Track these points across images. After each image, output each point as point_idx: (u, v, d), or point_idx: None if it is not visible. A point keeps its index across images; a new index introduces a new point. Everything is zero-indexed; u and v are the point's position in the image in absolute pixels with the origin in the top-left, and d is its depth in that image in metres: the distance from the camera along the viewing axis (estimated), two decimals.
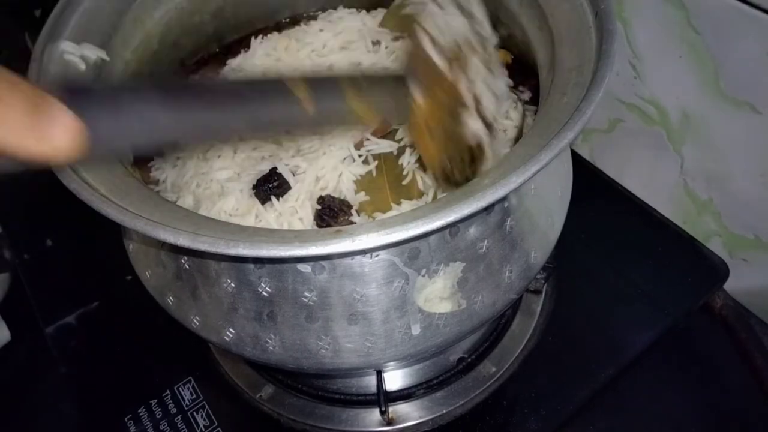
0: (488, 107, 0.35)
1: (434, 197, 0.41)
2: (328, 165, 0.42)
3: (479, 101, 0.34)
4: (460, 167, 0.35)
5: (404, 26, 0.36)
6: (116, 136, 0.25)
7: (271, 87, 0.30)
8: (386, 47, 0.51)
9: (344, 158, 0.42)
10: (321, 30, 0.53)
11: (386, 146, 0.43)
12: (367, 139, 0.43)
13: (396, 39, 0.51)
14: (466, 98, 0.34)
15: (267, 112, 0.30)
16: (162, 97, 0.27)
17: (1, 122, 0.20)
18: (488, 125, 0.35)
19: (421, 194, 0.42)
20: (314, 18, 0.57)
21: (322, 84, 0.31)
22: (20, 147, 0.21)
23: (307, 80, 0.30)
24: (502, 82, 0.37)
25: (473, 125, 0.34)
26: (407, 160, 0.43)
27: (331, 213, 0.40)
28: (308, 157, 0.42)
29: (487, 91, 0.35)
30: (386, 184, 0.42)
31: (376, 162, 0.42)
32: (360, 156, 0.43)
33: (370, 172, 0.43)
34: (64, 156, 0.22)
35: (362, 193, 0.42)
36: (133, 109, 0.26)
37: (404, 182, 0.42)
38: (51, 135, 0.22)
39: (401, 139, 0.43)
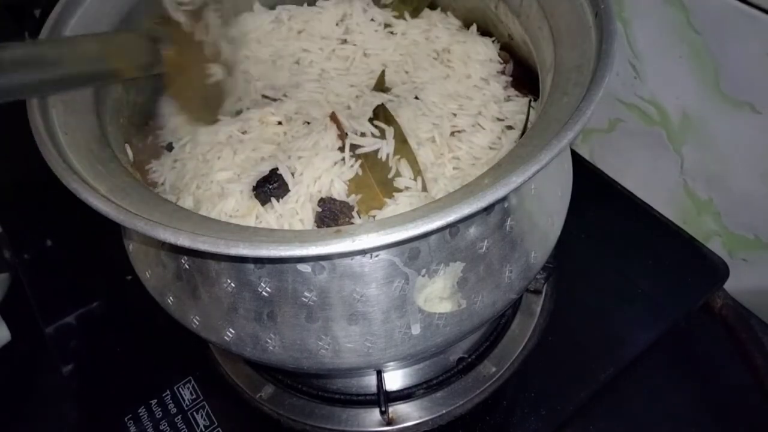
0: (225, 52, 0.45)
1: (423, 186, 0.42)
2: (322, 167, 0.42)
3: (218, 48, 0.44)
4: (202, 104, 0.46)
5: None
6: None
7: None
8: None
9: (335, 163, 0.42)
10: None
11: (372, 144, 0.43)
12: (346, 134, 0.44)
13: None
14: (207, 50, 0.44)
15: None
16: None
17: None
18: (228, 67, 0.46)
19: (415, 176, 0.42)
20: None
21: (84, 47, 0.39)
22: None
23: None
24: (236, 29, 0.47)
25: (213, 70, 0.45)
26: (385, 152, 0.43)
27: (331, 215, 0.40)
28: (302, 161, 0.42)
29: (224, 40, 0.45)
30: (373, 180, 0.42)
31: (360, 161, 0.43)
32: (351, 158, 0.43)
33: (356, 172, 0.43)
34: None
35: (353, 195, 0.42)
36: None
37: (390, 176, 0.42)
38: None
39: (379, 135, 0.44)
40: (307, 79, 0.51)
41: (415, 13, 0.55)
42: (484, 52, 0.51)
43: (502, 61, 0.51)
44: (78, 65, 0.38)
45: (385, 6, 0.55)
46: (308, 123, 0.47)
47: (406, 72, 0.51)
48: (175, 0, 0.44)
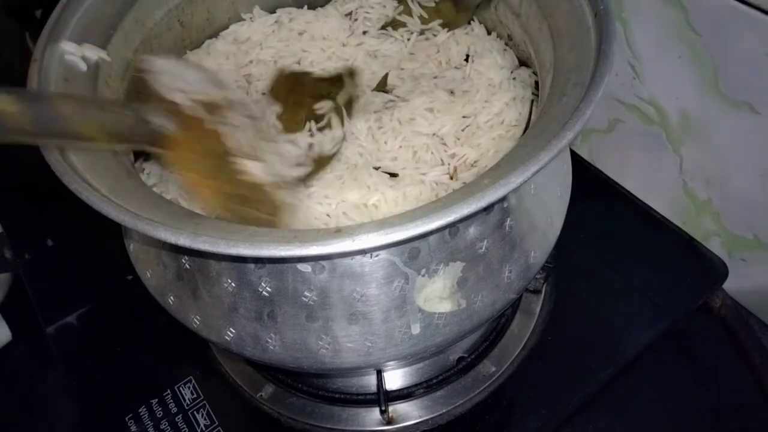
0: (273, 165, 0.37)
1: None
2: None
3: (257, 156, 0.36)
4: (246, 211, 0.36)
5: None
6: None
7: None
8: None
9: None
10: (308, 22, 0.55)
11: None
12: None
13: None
14: (230, 144, 0.35)
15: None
16: None
17: None
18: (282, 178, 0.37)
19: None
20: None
21: (39, 105, 0.33)
22: None
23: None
24: (285, 145, 0.40)
25: (249, 167, 0.36)
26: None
27: None
28: None
29: (269, 152, 0.38)
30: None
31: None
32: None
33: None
34: None
35: None
36: None
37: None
38: None
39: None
40: None
41: (449, 27, 0.53)
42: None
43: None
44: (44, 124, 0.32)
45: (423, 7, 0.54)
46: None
47: (406, 71, 0.51)
48: (169, 84, 0.36)
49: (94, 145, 0.34)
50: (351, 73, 0.46)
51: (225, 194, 0.36)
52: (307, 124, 0.44)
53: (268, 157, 0.37)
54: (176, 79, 0.36)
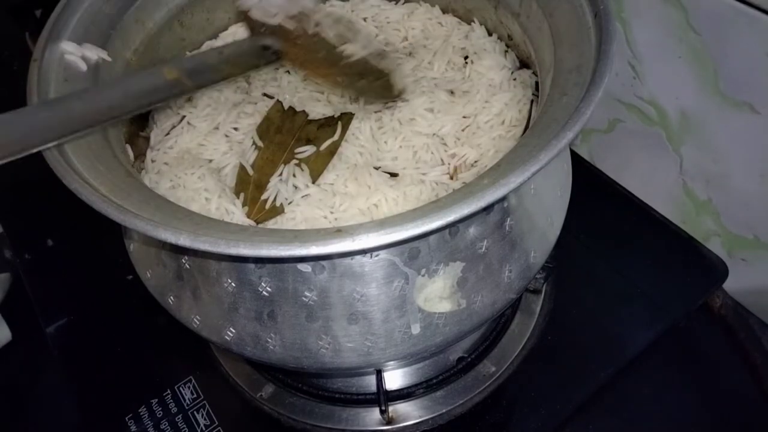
0: (366, 40, 0.45)
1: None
2: None
3: (348, 38, 0.44)
4: (363, 83, 0.44)
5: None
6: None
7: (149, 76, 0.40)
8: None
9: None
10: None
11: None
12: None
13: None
14: (329, 37, 0.44)
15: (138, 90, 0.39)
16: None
17: None
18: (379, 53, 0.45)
19: None
20: None
21: (196, 67, 0.42)
22: None
23: (181, 69, 0.41)
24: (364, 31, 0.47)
25: (350, 49, 0.44)
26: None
27: None
28: None
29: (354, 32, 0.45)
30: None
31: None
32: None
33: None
34: None
35: None
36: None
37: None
38: None
39: None
40: None
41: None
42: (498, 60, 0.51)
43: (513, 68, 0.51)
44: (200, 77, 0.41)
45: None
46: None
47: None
48: (264, 12, 0.44)
49: (230, 79, 0.44)
50: (346, 118, 0.45)
51: (340, 79, 0.44)
52: (282, 167, 0.43)
53: (356, 36, 0.45)
54: (267, 7, 0.45)
